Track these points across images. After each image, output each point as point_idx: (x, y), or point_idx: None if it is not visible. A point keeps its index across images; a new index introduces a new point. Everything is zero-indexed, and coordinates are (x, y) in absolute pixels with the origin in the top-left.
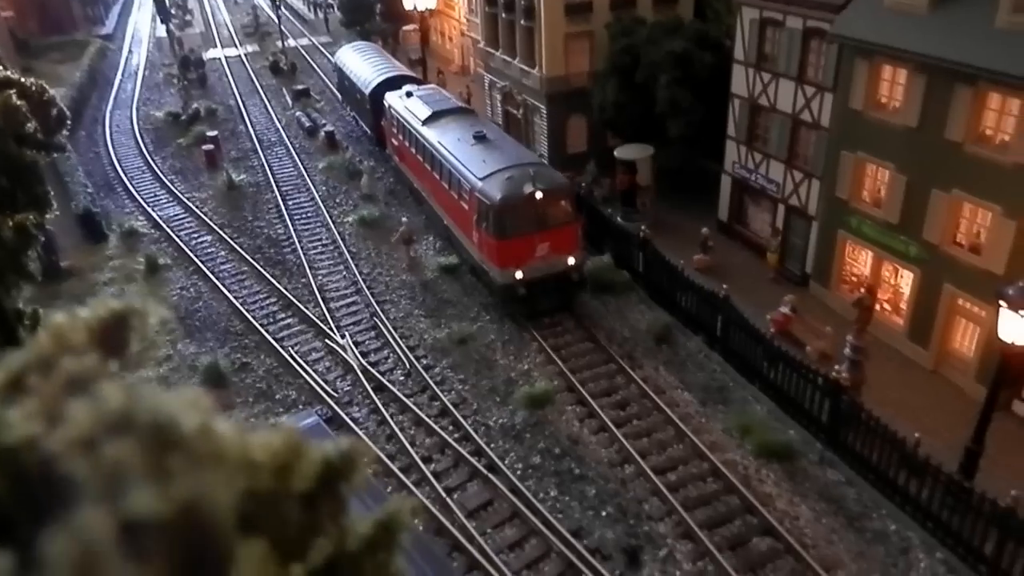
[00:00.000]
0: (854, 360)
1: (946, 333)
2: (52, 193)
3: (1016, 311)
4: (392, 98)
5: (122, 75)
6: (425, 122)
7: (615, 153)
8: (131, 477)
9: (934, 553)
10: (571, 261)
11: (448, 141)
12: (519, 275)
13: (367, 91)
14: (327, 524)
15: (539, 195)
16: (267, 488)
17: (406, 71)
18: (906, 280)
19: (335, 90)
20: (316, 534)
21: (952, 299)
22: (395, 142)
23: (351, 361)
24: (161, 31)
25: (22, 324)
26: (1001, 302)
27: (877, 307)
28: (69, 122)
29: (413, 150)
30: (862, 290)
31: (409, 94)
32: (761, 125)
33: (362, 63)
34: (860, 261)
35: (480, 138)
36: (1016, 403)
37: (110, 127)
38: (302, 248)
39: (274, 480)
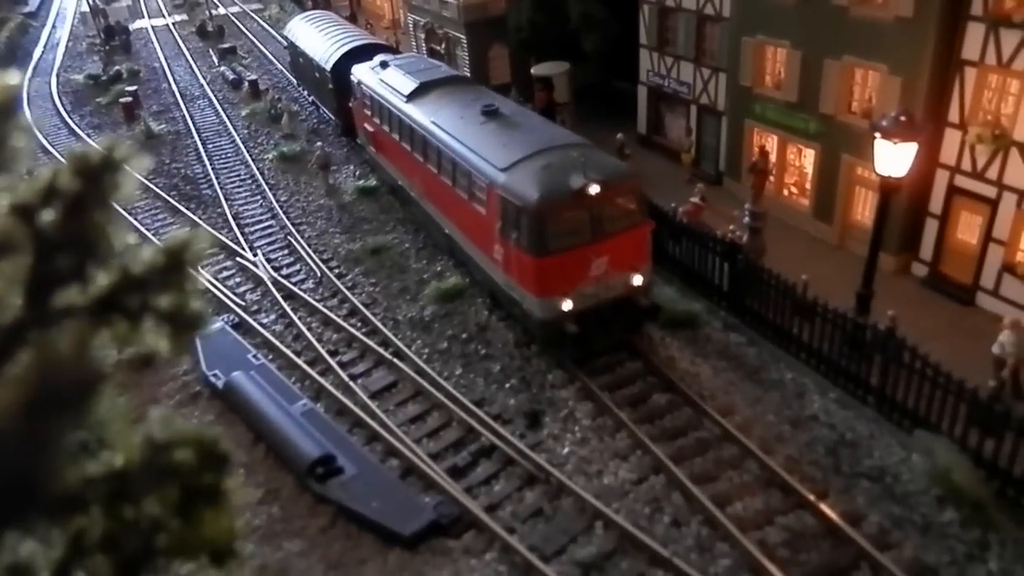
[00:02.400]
0: (753, 227)
1: (847, 206)
2: None
3: (890, 140)
4: (362, 72)
5: (43, 48)
6: (410, 97)
7: (532, 71)
8: None
9: (827, 394)
10: (638, 280)
11: (446, 120)
12: (567, 305)
13: (327, 67)
14: (99, 236)
15: (594, 189)
16: None
17: (376, 39)
18: (808, 159)
19: (287, 71)
20: (90, 248)
21: (851, 169)
22: (368, 127)
23: (262, 275)
24: (86, 7)
25: None
26: (876, 134)
27: (784, 191)
28: None
29: (395, 136)
30: (756, 153)
31: (384, 64)
32: (670, 28)
33: (318, 35)
34: (766, 146)
35: (491, 113)
36: (915, 264)
37: (27, 93)
38: (219, 183)
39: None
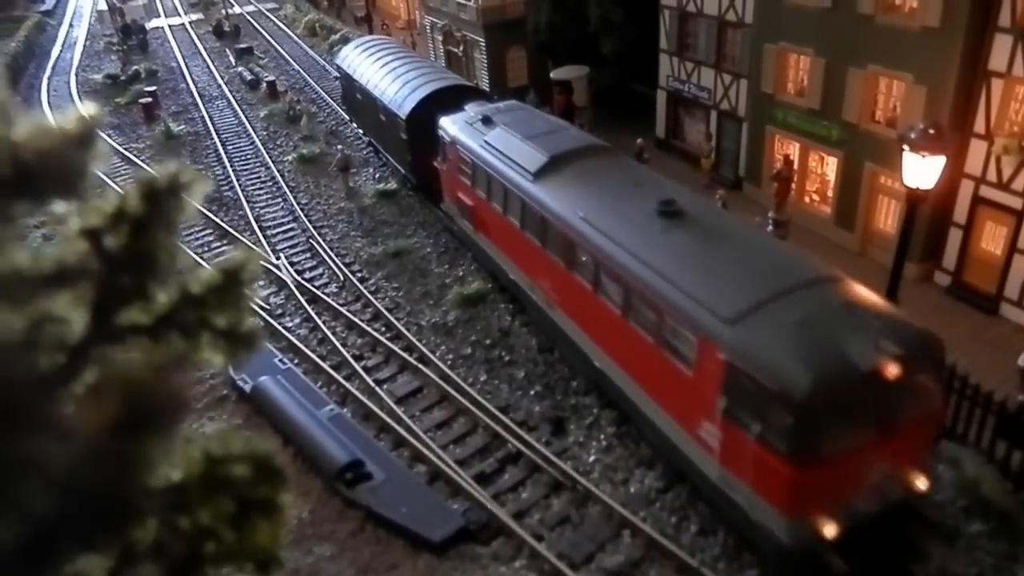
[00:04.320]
0: (777, 235)
1: (869, 213)
2: None
3: (918, 152)
4: (455, 128)
5: (62, 46)
6: (538, 176)
7: (551, 75)
8: None
9: None
10: (922, 484)
11: (605, 219)
12: (831, 530)
13: (401, 114)
14: (163, 256)
15: (892, 370)
16: (56, 152)
17: (460, 80)
18: (831, 166)
19: (338, 102)
20: (153, 268)
21: (873, 177)
22: (466, 199)
23: (285, 278)
24: (103, 5)
25: None
26: (904, 146)
27: (806, 198)
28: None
29: (514, 222)
30: (780, 162)
31: (488, 120)
32: (690, 33)
33: (384, 70)
34: (789, 153)
35: (673, 215)
36: (938, 273)
37: (47, 92)
38: (240, 186)
39: (65, 148)
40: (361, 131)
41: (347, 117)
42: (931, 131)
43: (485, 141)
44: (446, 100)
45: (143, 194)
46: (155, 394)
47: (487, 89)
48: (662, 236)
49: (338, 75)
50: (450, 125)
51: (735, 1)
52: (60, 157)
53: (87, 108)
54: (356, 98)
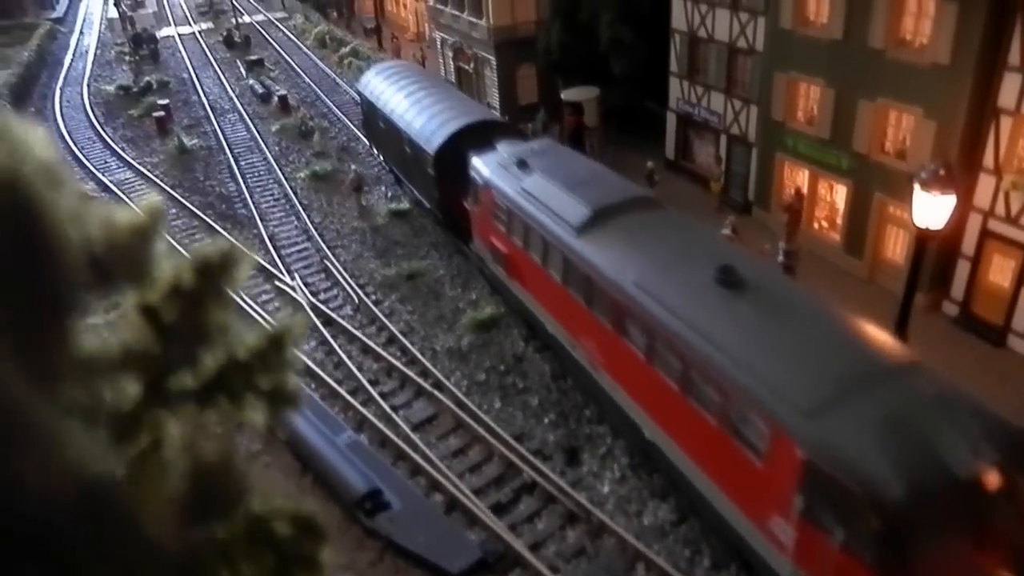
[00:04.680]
0: (787, 264)
1: (878, 242)
2: None
3: (929, 192)
4: (489, 169)
5: (73, 55)
6: (582, 231)
7: (562, 96)
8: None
9: None
10: None
11: (658, 284)
12: None
13: (429, 150)
14: (213, 326)
15: (991, 478)
16: (125, 243)
17: (489, 112)
18: (840, 194)
19: (349, 116)
20: (203, 338)
21: (882, 207)
22: (500, 246)
23: (300, 299)
24: (113, 13)
25: None
26: (915, 184)
27: (816, 224)
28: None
29: (555, 276)
30: (791, 193)
31: (524, 164)
32: (701, 57)
33: (409, 100)
34: (798, 181)
35: (735, 284)
36: (945, 303)
37: (60, 103)
38: (253, 203)
39: (132, 239)
40: (382, 158)
41: (361, 135)
42: (942, 171)
43: (522, 188)
44: (475, 135)
45: (196, 270)
46: (221, 474)
47: (496, 107)
48: (724, 308)
49: (359, 101)
50: (483, 166)
51: (746, 28)
52: (129, 248)
53: (152, 200)
54: (379, 126)
